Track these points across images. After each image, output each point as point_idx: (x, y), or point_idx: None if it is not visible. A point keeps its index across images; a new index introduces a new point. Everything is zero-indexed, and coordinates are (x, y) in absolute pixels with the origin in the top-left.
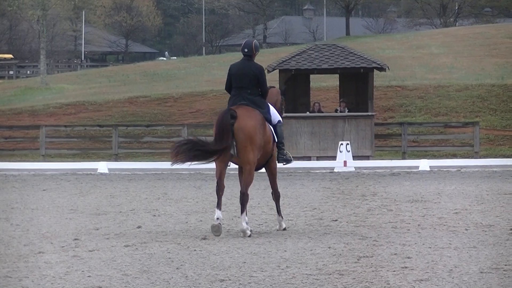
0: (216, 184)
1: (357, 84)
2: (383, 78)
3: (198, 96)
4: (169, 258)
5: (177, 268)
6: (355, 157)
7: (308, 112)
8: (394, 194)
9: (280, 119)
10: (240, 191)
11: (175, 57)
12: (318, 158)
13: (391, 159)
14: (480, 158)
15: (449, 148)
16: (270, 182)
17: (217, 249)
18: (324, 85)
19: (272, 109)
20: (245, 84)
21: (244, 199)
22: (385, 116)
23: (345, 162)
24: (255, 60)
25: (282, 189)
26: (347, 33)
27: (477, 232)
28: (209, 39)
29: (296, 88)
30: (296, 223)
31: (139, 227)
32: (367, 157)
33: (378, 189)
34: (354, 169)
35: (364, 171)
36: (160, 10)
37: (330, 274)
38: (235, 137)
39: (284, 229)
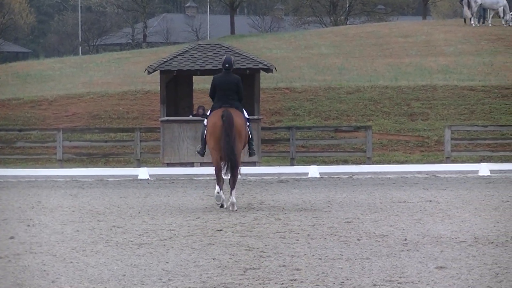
0: (215, 168)
1: (243, 86)
2: (270, 79)
3: (74, 98)
4: (44, 270)
5: (52, 282)
6: (241, 163)
7: (191, 116)
8: (282, 202)
9: (249, 123)
10: (231, 173)
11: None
12: (202, 165)
13: (279, 165)
14: (372, 164)
15: (340, 154)
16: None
17: (95, 261)
18: (208, 87)
19: (245, 112)
20: (227, 92)
21: (235, 178)
22: (272, 120)
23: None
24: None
25: (164, 198)
26: (232, 32)
27: (370, 242)
28: (85, 38)
29: (178, 90)
30: (179, 233)
31: (12, 237)
32: (253, 164)
33: (265, 197)
34: (239, 176)
35: (251, 178)
36: (33, 7)
37: (215, 287)
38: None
39: (234, 203)
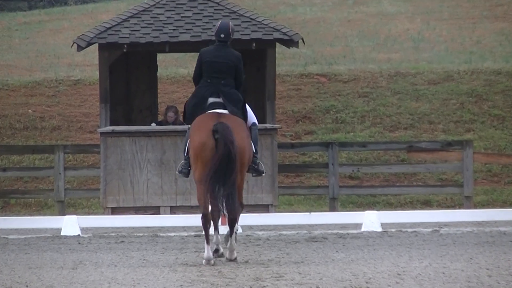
0: (202, 212)
1: (245, 71)
2: (293, 59)
3: None
4: None
5: None
6: (245, 207)
7: (154, 124)
8: (315, 276)
9: (255, 121)
10: (231, 209)
11: None
12: (173, 210)
13: (310, 211)
14: (474, 207)
15: (417, 190)
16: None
17: None
18: (185, 73)
19: (247, 106)
20: (220, 73)
21: (235, 218)
22: (298, 131)
23: (223, 218)
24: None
25: (106, 269)
26: None
27: None
28: None
29: (131, 78)
30: None
31: None
32: (265, 208)
33: (286, 267)
34: (240, 230)
35: (260, 233)
36: None
37: None
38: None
39: (235, 258)
